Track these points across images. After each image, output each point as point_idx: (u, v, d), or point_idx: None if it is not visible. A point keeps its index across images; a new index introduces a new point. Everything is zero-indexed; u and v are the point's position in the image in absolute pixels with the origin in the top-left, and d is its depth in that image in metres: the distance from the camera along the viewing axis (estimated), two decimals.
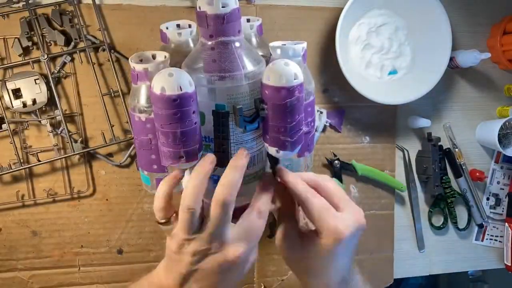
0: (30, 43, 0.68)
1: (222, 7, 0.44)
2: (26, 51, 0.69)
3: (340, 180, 0.80)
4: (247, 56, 0.48)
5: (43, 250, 0.73)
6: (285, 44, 0.53)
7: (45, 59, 0.67)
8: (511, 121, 0.81)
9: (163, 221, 0.48)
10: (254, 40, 0.60)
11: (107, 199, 0.74)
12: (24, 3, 0.67)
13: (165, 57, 0.50)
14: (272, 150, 0.49)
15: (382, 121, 0.82)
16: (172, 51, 0.55)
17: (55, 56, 0.69)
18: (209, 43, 0.46)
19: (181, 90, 0.43)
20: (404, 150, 0.83)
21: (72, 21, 0.69)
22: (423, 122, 0.81)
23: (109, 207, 0.74)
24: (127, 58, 0.71)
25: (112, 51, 0.70)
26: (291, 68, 0.45)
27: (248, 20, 0.60)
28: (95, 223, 0.74)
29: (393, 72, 0.80)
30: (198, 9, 0.45)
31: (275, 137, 0.48)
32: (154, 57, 0.51)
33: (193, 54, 0.49)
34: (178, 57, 0.52)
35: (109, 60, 0.69)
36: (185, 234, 0.46)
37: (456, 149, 0.84)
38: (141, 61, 0.50)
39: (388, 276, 0.84)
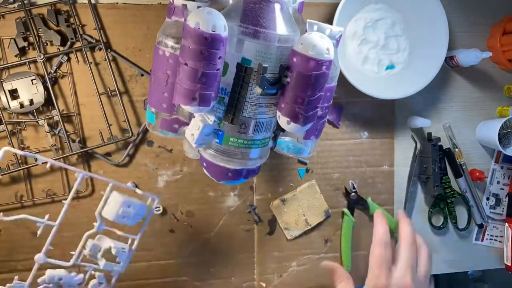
0: (26, 44, 0.63)
1: None
2: (22, 51, 0.63)
3: (352, 213, 0.75)
4: (286, 21, 0.46)
5: None
6: None
7: (41, 59, 0.62)
8: (511, 121, 0.75)
9: None
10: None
11: None
12: (20, 3, 0.61)
13: (206, 1, 0.47)
14: (283, 120, 0.46)
15: (380, 116, 0.76)
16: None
17: (52, 56, 0.64)
18: None
19: (215, 31, 0.40)
20: (417, 142, 0.77)
21: (68, 21, 0.64)
22: (423, 122, 0.74)
23: None
24: (124, 57, 0.66)
25: (109, 50, 0.64)
26: (326, 42, 0.43)
27: None
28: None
29: (390, 67, 0.74)
30: None
31: (290, 107, 0.44)
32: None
33: (234, 5, 0.46)
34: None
35: (105, 59, 0.63)
36: None
37: (456, 149, 0.77)
38: None
39: None
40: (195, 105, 0.43)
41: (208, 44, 0.41)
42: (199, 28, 0.40)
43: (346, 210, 0.74)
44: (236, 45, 0.45)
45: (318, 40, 0.42)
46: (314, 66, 0.42)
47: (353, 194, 0.74)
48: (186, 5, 0.46)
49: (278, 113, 0.47)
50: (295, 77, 0.44)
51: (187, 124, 0.51)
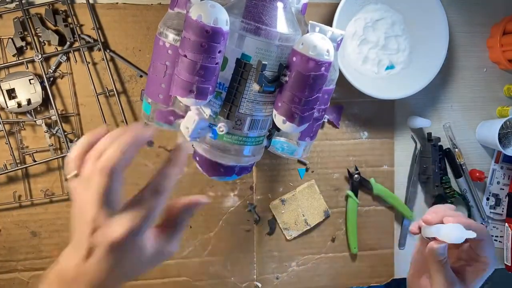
0: (24, 43, 0.60)
1: None
2: (20, 51, 0.61)
3: (356, 195, 0.72)
4: (288, 20, 0.45)
5: (43, 251, 0.65)
6: None
7: (39, 59, 0.59)
8: (511, 121, 0.72)
9: (74, 173, 0.36)
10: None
11: None
12: (18, 3, 0.59)
13: None
14: (279, 119, 0.44)
15: (380, 116, 0.73)
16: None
17: (50, 56, 0.61)
18: None
19: (217, 24, 0.39)
20: (417, 142, 0.74)
21: (66, 21, 0.61)
22: (423, 122, 0.71)
23: None
24: (122, 57, 0.63)
25: (108, 50, 0.61)
26: (326, 43, 0.42)
27: None
28: None
29: (390, 67, 0.71)
30: None
31: (287, 106, 0.43)
32: None
33: (237, 0, 0.44)
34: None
35: (103, 59, 0.60)
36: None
37: (456, 149, 0.74)
38: None
39: (389, 271, 0.75)
40: (191, 98, 0.42)
41: (208, 37, 0.39)
42: (200, 21, 0.39)
43: (350, 192, 0.71)
44: (237, 41, 0.44)
45: (319, 41, 0.41)
46: (313, 66, 0.41)
47: (356, 176, 0.71)
48: None
49: (275, 112, 0.45)
50: (294, 77, 0.42)
51: (183, 117, 0.49)
